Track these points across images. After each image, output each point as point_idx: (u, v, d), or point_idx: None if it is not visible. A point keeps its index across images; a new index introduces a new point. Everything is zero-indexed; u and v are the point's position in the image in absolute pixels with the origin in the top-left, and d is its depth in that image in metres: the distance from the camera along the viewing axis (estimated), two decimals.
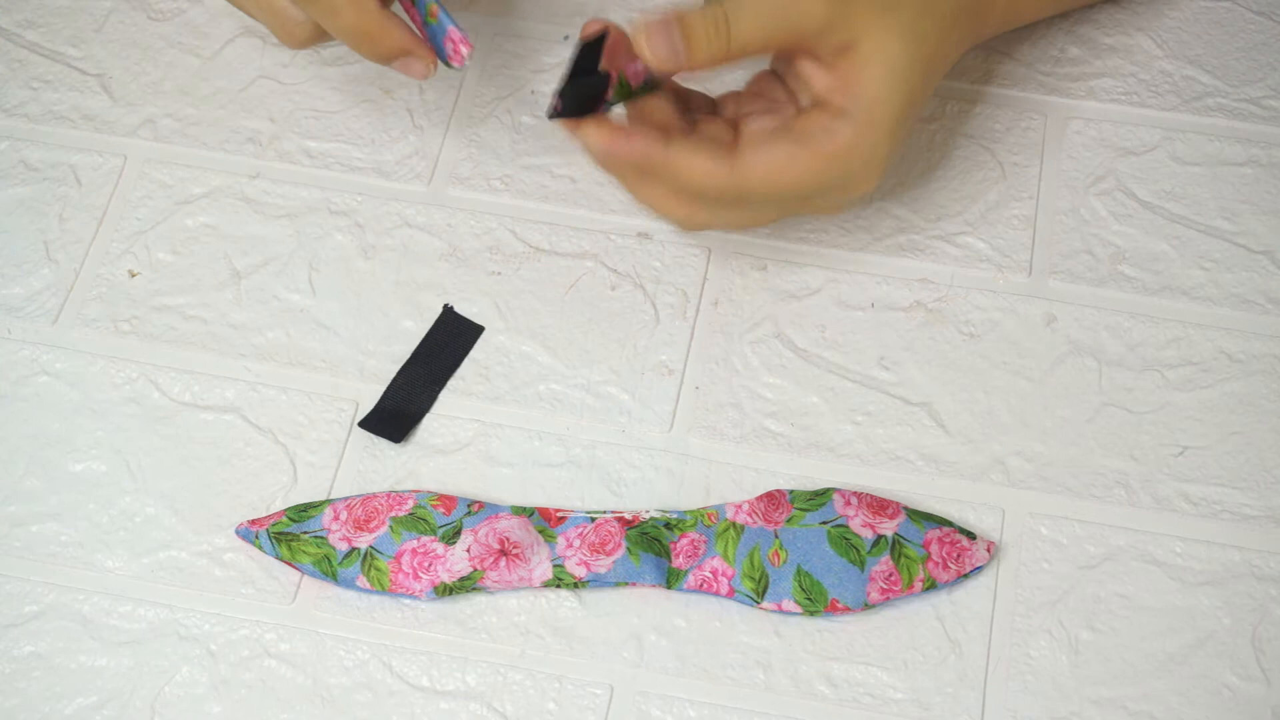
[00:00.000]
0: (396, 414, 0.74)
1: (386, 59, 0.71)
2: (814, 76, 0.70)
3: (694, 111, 0.72)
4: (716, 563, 0.69)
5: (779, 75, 0.73)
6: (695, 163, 0.69)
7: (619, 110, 0.70)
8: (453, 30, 0.69)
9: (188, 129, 0.81)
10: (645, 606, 0.70)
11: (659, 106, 0.70)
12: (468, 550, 0.69)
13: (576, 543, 0.70)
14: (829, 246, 0.78)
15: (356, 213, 0.79)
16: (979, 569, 0.69)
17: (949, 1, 0.72)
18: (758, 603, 0.69)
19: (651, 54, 0.67)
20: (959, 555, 0.69)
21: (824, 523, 0.70)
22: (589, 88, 0.68)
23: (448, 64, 0.70)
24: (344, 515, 0.70)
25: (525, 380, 0.75)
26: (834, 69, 0.69)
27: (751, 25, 0.68)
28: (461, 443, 0.73)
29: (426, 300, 0.77)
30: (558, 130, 0.81)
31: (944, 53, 0.72)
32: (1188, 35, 0.83)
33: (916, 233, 0.78)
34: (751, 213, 0.72)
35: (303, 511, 0.71)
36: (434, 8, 0.70)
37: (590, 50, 0.67)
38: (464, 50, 0.69)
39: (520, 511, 0.71)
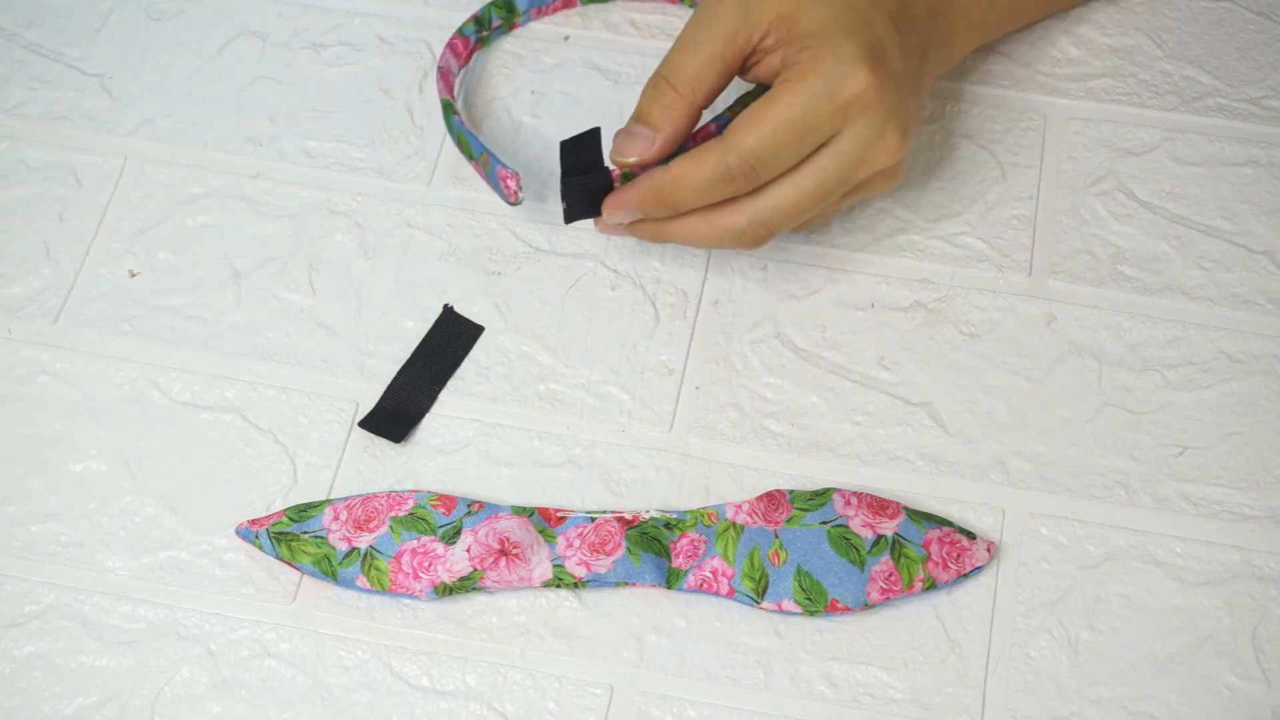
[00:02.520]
0: (396, 414, 0.74)
1: None
2: (774, 58, 0.71)
3: None
4: (716, 563, 0.69)
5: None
6: (691, 163, 0.70)
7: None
8: (500, 169, 0.73)
9: (188, 129, 0.81)
10: (645, 606, 0.70)
11: None
12: (468, 550, 0.69)
13: (576, 543, 0.70)
14: (829, 246, 0.78)
15: (356, 213, 0.79)
16: (979, 569, 0.69)
17: None
18: (758, 603, 0.69)
19: (636, 157, 0.71)
20: (959, 555, 0.69)
21: (824, 523, 0.70)
22: (591, 183, 0.72)
23: (507, 201, 0.74)
24: (344, 515, 0.70)
25: (525, 380, 0.75)
26: (780, 40, 0.71)
27: (686, 65, 0.71)
28: (461, 443, 0.73)
29: (426, 300, 0.77)
30: (556, 132, 0.81)
31: None
32: (1188, 35, 0.83)
33: (916, 233, 0.78)
34: (792, 192, 0.71)
35: (303, 511, 0.71)
36: (485, 157, 0.75)
37: (579, 144, 0.72)
38: (512, 184, 0.73)
39: (520, 511, 0.71)
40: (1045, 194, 0.79)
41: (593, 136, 0.72)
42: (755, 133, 0.69)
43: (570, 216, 0.73)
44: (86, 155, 0.81)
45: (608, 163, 0.72)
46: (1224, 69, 0.82)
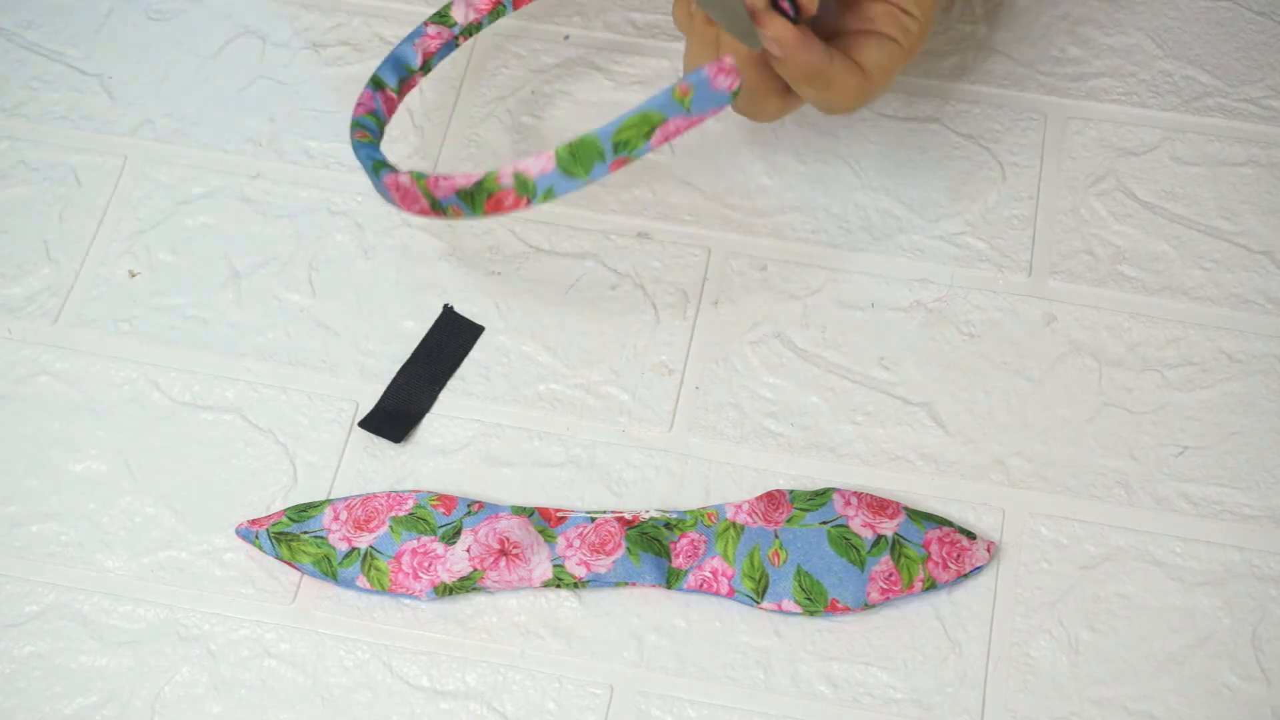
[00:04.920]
0: (396, 414, 0.74)
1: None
2: None
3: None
4: (716, 563, 0.69)
5: None
6: (848, 81, 0.70)
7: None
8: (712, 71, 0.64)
9: (188, 129, 0.81)
10: (645, 606, 0.70)
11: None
12: (468, 550, 0.69)
13: (576, 543, 0.70)
14: (829, 246, 0.78)
15: (356, 213, 0.79)
16: (979, 569, 0.69)
17: None
18: (758, 603, 0.69)
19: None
20: (959, 555, 0.69)
21: (824, 523, 0.70)
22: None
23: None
24: (344, 515, 0.70)
25: (525, 380, 0.75)
26: None
27: None
28: (461, 443, 0.73)
29: (426, 300, 0.77)
30: (556, 132, 0.81)
31: None
32: (1188, 35, 0.83)
33: (916, 233, 0.78)
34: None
35: (303, 511, 0.71)
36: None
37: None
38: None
39: (520, 511, 0.71)
40: (1045, 194, 0.79)
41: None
42: (885, 82, 0.71)
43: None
44: (86, 155, 0.81)
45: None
46: (1224, 69, 0.82)
